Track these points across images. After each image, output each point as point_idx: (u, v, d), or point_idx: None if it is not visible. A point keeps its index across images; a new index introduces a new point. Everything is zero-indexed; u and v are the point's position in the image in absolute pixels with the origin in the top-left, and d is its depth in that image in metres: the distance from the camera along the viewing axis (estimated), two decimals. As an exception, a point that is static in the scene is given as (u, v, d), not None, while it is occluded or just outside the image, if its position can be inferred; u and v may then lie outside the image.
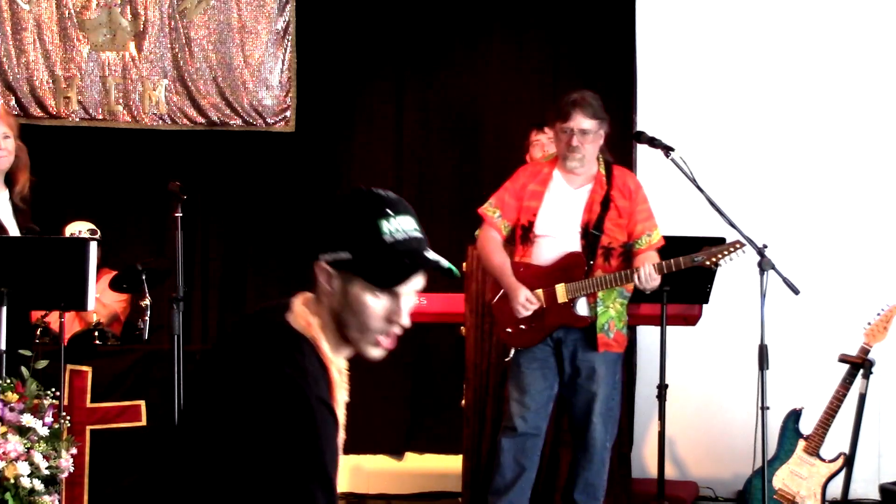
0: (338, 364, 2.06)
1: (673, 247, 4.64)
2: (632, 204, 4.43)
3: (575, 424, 4.51)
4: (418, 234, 2.00)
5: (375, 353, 2.05)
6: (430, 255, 2.00)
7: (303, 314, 2.02)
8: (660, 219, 4.58)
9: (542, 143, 5.28)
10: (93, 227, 5.70)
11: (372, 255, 1.96)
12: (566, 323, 4.40)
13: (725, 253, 4.30)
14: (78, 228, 5.63)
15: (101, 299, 5.60)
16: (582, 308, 4.41)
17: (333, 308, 2.01)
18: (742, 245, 4.29)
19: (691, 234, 4.82)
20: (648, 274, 4.24)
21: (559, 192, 4.49)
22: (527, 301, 4.37)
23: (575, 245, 4.40)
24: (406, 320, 2.03)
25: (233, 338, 2.09)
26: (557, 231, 4.44)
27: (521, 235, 4.51)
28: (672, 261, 4.31)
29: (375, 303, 1.99)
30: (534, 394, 4.46)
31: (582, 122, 4.37)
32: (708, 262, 4.30)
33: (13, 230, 4.46)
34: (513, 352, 4.54)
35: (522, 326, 4.45)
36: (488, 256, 4.56)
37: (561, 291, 4.37)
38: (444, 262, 2.01)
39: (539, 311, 4.42)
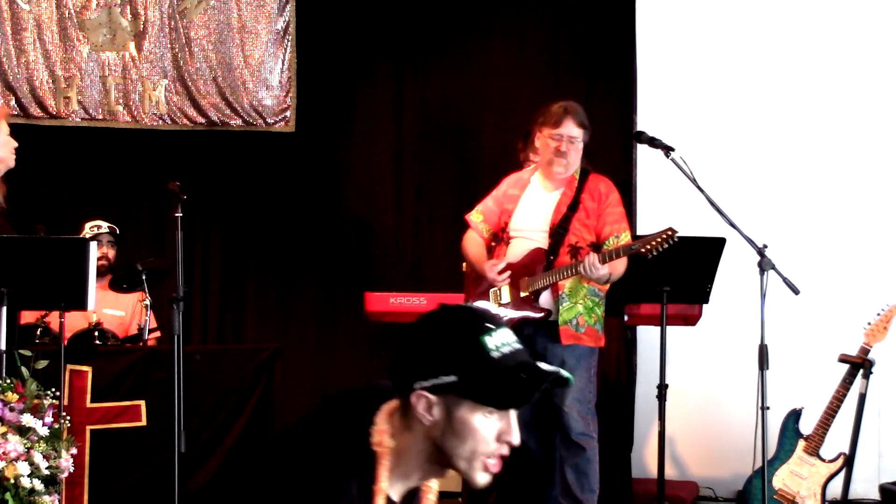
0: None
1: (671, 247, 4.63)
2: (600, 206, 4.57)
3: (556, 415, 4.56)
4: (521, 346, 1.85)
5: (484, 478, 1.85)
6: (544, 366, 1.83)
7: (383, 433, 1.85)
8: (660, 219, 4.59)
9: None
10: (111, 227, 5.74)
11: (482, 375, 1.79)
12: (527, 315, 4.51)
13: (658, 241, 4.28)
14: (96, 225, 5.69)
15: (138, 313, 5.60)
16: (544, 301, 4.52)
17: (433, 437, 1.83)
18: (674, 233, 4.28)
19: (691, 234, 4.82)
20: (592, 263, 4.33)
21: (534, 195, 4.64)
22: (494, 268, 4.53)
23: (543, 244, 4.55)
24: (517, 439, 1.85)
25: (305, 431, 1.90)
26: (528, 230, 4.60)
27: (497, 236, 4.70)
28: (612, 249, 4.40)
29: (486, 424, 1.82)
30: None
31: (572, 129, 4.56)
32: (643, 250, 4.32)
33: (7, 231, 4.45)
34: None
35: None
36: (465, 251, 4.79)
37: (524, 285, 4.52)
38: (564, 372, 1.84)
39: (507, 305, 4.56)
